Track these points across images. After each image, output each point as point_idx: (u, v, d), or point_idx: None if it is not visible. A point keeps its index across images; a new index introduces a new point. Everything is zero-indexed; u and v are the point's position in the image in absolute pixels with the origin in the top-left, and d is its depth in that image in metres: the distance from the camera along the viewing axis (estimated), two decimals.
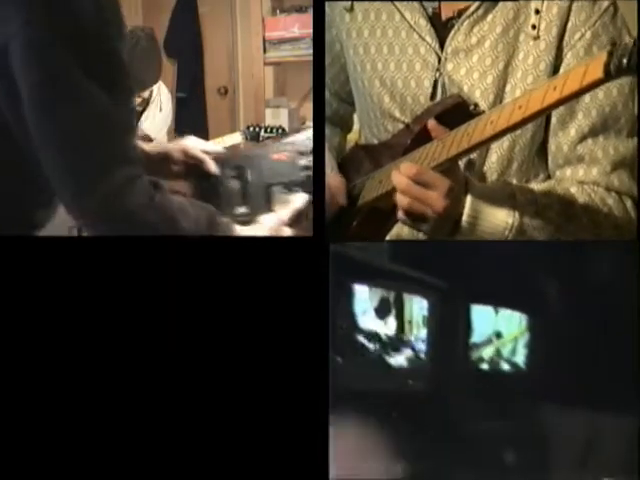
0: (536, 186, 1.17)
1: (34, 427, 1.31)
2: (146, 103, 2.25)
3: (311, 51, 1.38)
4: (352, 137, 1.50)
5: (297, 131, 2.04)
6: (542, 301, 1.28)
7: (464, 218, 1.09)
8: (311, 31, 1.40)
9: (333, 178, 1.25)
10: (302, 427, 1.29)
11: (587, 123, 1.14)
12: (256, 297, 1.32)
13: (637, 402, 1.27)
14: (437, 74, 1.19)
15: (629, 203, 1.16)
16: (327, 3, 1.30)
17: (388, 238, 1.26)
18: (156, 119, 2.29)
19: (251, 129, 2.24)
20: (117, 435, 1.31)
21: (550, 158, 1.20)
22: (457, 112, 1.13)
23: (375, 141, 1.31)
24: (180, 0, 3.20)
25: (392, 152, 1.20)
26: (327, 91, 1.39)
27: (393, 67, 1.23)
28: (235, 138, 2.22)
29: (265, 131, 2.26)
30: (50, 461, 1.31)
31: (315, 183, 1.29)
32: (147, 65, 2.14)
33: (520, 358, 1.25)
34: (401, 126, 1.23)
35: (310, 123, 2.93)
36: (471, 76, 1.17)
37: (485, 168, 1.20)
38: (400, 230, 1.25)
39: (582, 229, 1.13)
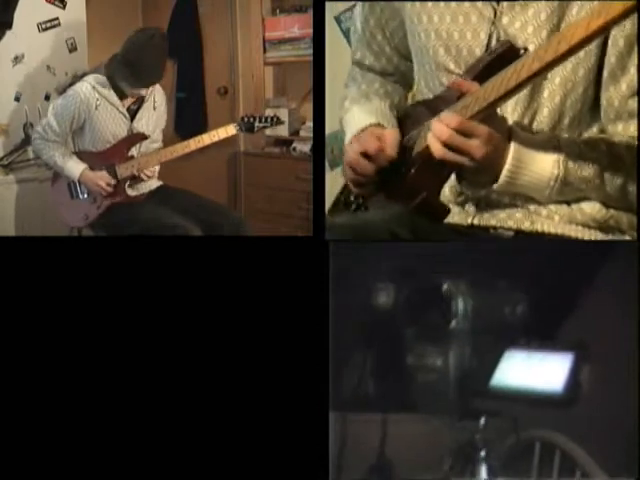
0: (584, 138, 1.17)
1: (35, 423, 1.31)
2: (140, 102, 2.25)
3: (311, 51, 1.38)
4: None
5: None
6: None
7: (507, 167, 1.10)
8: (311, 31, 1.40)
9: (389, 132, 1.25)
10: (301, 423, 1.29)
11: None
12: (257, 295, 1.32)
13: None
14: (492, 27, 1.19)
15: None
16: (327, 3, 1.30)
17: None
18: (151, 118, 2.29)
19: (245, 120, 2.21)
20: (117, 433, 1.31)
21: (602, 113, 1.19)
22: (508, 58, 1.12)
23: (430, 95, 1.31)
24: (180, 0, 3.20)
25: (447, 104, 1.19)
26: (387, 46, 1.39)
27: (449, 19, 1.23)
28: (230, 130, 2.20)
29: (259, 121, 2.22)
30: (47, 457, 1.31)
31: (315, 182, 1.29)
32: (156, 63, 2.15)
33: None
34: (454, 77, 1.23)
35: (310, 123, 2.93)
36: (525, 30, 1.16)
37: (535, 123, 1.20)
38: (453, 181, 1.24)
39: (630, 182, 1.13)
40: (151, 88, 2.24)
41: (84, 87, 2.12)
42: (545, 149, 1.12)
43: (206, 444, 1.31)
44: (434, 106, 1.24)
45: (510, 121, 1.17)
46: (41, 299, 1.33)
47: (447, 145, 1.07)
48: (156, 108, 2.29)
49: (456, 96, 1.16)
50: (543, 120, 1.19)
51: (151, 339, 1.32)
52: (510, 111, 1.19)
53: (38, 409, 1.32)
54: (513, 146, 1.10)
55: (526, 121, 1.20)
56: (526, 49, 1.13)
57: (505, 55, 1.14)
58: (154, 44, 2.12)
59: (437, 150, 1.09)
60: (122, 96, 2.18)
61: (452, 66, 1.24)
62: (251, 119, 2.22)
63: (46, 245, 1.37)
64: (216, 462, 1.31)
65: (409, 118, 1.31)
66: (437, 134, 1.08)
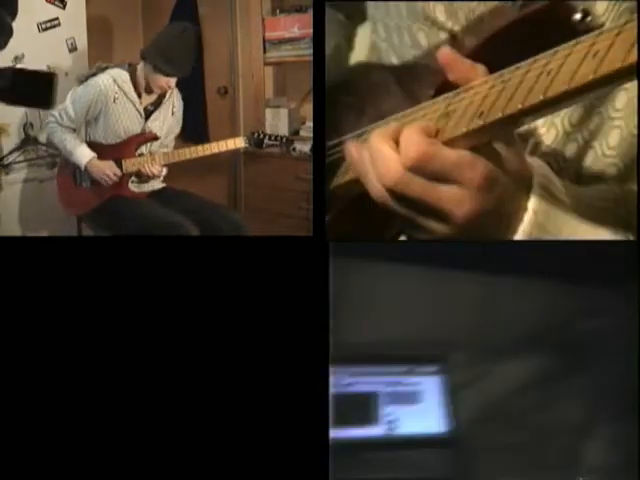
0: None
1: (38, 424, 1.31)
2: (158, 104, 2.28)
3: (311, 51, 1.38)
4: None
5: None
6: None
7: (520, 235, 0.68)
8: (311, 31, 1.40)
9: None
10: (302, 424, 1.29)
11: None
12: (257, 295, 1.32)
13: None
14: None
15: None
16: (327, 3, 1.30)
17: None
18: (166, 121, 2.32)
19: (256, 135, 2.28)
20: (117, 434, 1.31)
21: None
22: (548, 24, 0.61)
23: (393, 58, 0.83)
24: (180, 0, 3.20)
25: (417, 86, 0.71)
26: None
27: None
28: (238, 142, 2.27)
29: (269, 139, 2.30)
30: (47, 457, 1.31)
31: (315, 182, 1.29)
32: (185, 55, 2.19)
33: None
34: (443, 37, 0.76)
35: (310, 123, 2.96)
36: None
37: (596, 154, 0.71)
38: None
39: None
40: (169, 92, 2.27)
41: (105, 79, 2.18)
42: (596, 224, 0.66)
43: (207, 446, 1.31)
44: (404, 77, 0.74)
45: (544, 144, 0.70)
46: (41, 299, 1.33)
47: (397, 195, 0.61)
48: (174, 114, 2.34)
49: (435, 76, 0.65)
50: (608, 152, 0.71)
51: (151, 338, 1.32)
52: (544, 125, 0.68)
53: (43, 409, 1.32)
54: (533, 203, 0.66)
55: (573, 149, 0.72)
56: (586, 13, 0.60)
57: (545, 17, 0.61)
58: (186, 37, 2.18)
59: (379, 196, 0.64)
60: (147, 90, 2.21)
61: (441, 17, 0.76)
62: (261, 135, 2.29)
63: (47, 245, 1.37)
64: (216, 461, 1.32)
65: (371, 88, 0.80)
66: (385, 177, 0.60)
